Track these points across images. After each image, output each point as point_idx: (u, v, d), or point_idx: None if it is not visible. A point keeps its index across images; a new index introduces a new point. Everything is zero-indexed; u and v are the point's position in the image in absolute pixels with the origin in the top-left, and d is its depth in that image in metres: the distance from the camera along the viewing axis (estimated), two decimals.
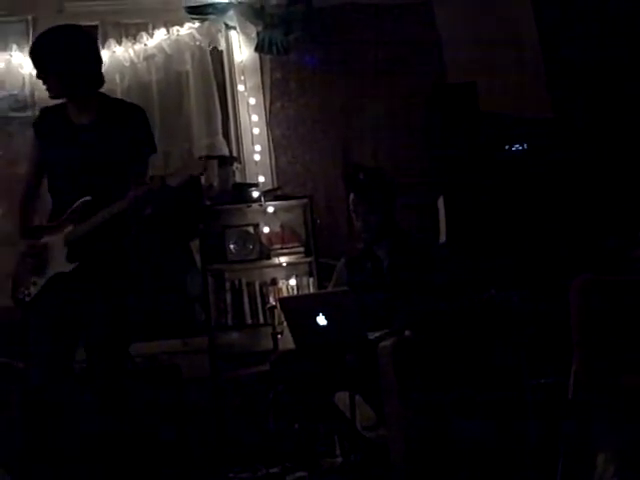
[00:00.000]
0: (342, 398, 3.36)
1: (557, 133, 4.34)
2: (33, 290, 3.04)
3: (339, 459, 3.55)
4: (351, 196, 3.69)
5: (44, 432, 3.01)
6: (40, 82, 4.40)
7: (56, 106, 3.18)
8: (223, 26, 4.93)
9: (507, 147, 4.23)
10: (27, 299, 3.04)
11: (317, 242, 4.60)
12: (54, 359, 3.00)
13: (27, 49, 4.61)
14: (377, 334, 3.29)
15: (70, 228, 2.99)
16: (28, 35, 4.73)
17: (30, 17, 4.75)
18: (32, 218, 3.19)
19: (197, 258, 4.58)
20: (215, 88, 4.95)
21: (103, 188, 2.98)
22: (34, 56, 3.08)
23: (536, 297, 3.52)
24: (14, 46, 4.70)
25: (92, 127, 3.05)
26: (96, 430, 3.00)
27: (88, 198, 2.96)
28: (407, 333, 3.31)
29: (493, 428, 3.11)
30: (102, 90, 3.17)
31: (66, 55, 3.02)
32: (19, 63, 4.68)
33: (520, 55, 4.96)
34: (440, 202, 4.25)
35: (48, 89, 3.12)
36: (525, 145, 4.24)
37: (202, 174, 2.88)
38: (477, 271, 3.78)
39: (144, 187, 2.89)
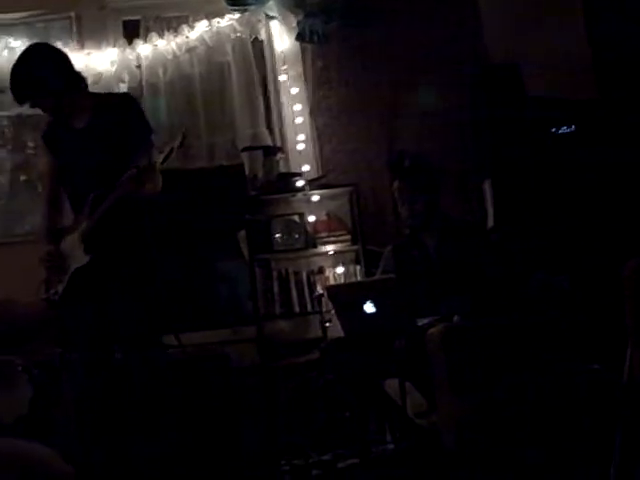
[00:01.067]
0: (392, 385, 3.36)
1: (604, 113, 4.25)
2: (60, 288, 3.15)
3: (390, 446, 3.54)
4: (396, 183, 3.68)
5: (98, 421, 3.08)
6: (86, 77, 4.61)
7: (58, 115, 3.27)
8: (263, 16, 4.93)
9: (554, 129, 4.16)
10: (56, 297, 3.16)
11: (363, 230, 4.59)
12: (92, 357, 3.10)
13: (71, 46, 4.71)
14: (426, 320, 3.28)
15: (84, 224, 3.09)
16: (71, 32, 4.79)
17: (73, 14, 4.80)
18: (57, 222, 3.31)
19: (244, 248, 4.59)
20: (257, 78, 4.96)
21: (111, 182, 3.03)
22: (20, 87, 3.16)
23: (587, 281, 3.47)
24: (58, 43, 4.73)
25: (89, 128, 3.15)
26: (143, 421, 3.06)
27: (96, 193, 3.04)
28: (456, 319, 3.29)
29: (545, 413, 3.08)
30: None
31: (47, 73, 3.13)
32: None
33: (564, 34, 4.86)
34: (486, 186, 4.21)
35: (43, 109, 3.23)
36: (572, 126, 4.17)
37: (181, 145, 2.93)
38: (525, 255, 3.73)
39: (132, 170, 2.93)
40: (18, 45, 4.72)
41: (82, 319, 3.13)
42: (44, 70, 3.13)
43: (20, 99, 3.20)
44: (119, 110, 3.16)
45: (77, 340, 3.18)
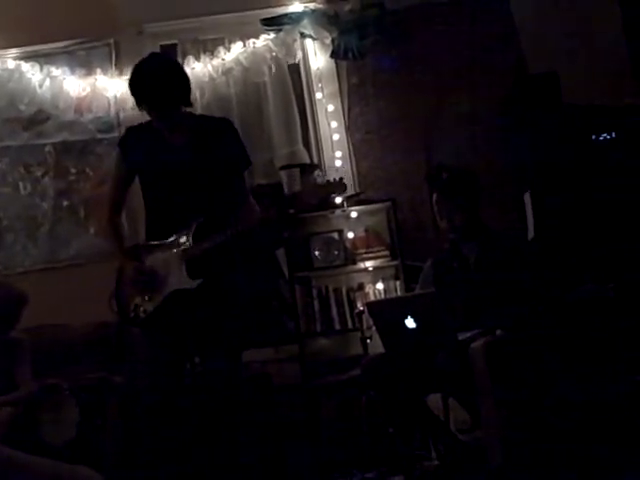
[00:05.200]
0: (435, 401, 3.32)
1: None
2: (149, 306, 3.09)
3: (435, 462, 3.50)
4: (435, 196, 3.65)
5: (148, 443, 3.09)
6: (125, 102, 4.70)
7: (143, 125, 3.24)
8: (298, 35, 4.97)
9: (594, 137, 4.10)
10: (142, 315, 3.10)
11: (402, 245, 4.57)
12: (169, 373, 3.08)
13: (111, 72, 4.82)
14: (467, 334, 3.24)
15: (186, 246, 3.05)
16: (111, 58, 4.89)
17: (112, 41, 4.90)
18: (123, 235, 3.28)
19: (283, 266, 4.61)
20: (293, 97, 5.00)
21: (204, 205, 3.06)
22: (154, 91, 3.07)
23: (631, 289, 3.40)
24: (98, 70, 4.87)
25: (188, 147, 3.11)
26: (199, 437, 3.06)
27: (201, 219, 3.03)
28: (498, 333, 3.24)
29: (592, 428, 3.01)
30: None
31: (181, 83, 3.13)
32: (104, 86, 4.84)
33: (602, 41, 4.81)
34: (527, 197, 4.16)
35: (159, 118, 3.13)
36: (613, 134, 4.10)
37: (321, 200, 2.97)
38: (568, 266, 3.68)
39: (259, 216, 3.02)
40: (59, 74, 4.84)
41: (173, 337, 3.08)
42: (179, 79, 3.11)
43: (151, 102, 3.07)
44: (220, 134, 3.16)
45: (157, 361, 3.11)
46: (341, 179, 3.16)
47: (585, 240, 3.81)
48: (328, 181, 3.42)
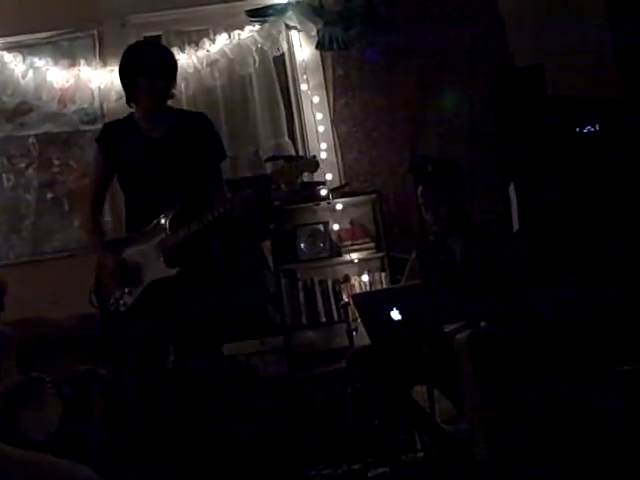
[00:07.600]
0: (420, 392, 3.34)
1: (630, 112, 4.20)
2: (128, 299, 3.09)
3: (420, 454, 3.52)
4: (420, 188, 3.65)
5: (134, 435, 3.09)
6: (109, 93, 4.68)
7: (121, 120, 3.27)
8: (283, 27, 4.95)
9: (578, 129, 4.11)
10: (122, 309, 3.10)
11: (388, 237, 4.57)
12: (152, 364, 3.08)
13: (95, 63, 4.78)
14: (453, 327, 3.25)
15: (162, 237, 3.06)
16: (95, 49, 4.85)
17: (95, 32, 4.86)
18: (104, 232, 3.29)
19: (269, 259, 4.60)
20: (278, 89, 4.99)
21: (182, 198, 3.06)
22: (174, 65, 3.19)
23: (616, 283, 3.42)
24: (82, 61, 4.83)
25: (165, 140, 3.13)
26: (185, 429, 3.06)
27: (177, 208, 3.03)
28: (483, 324, 3.26)
29: (577, 419, 3.03)
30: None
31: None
32: (88, 77, 4.81)
33: (588, 34, 4.82)
34: (511, 189, 4.17)
35: (169, 96, 3.19)
36: (597, 126, 4.11)
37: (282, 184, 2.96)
38: (553, 258, 3.69)
39: (241, 194, 2.97)
40: (42, 65, 4.80)
41: (155, 328, 3.09)
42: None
43: (171, 78, 3.16)
44: (195, 128, 3.18)
45: (140, 352, 3.12)
46: (313, 156, 3.16)
47: (569, 232, 3.83)
48: (301, 158, 3.42)
